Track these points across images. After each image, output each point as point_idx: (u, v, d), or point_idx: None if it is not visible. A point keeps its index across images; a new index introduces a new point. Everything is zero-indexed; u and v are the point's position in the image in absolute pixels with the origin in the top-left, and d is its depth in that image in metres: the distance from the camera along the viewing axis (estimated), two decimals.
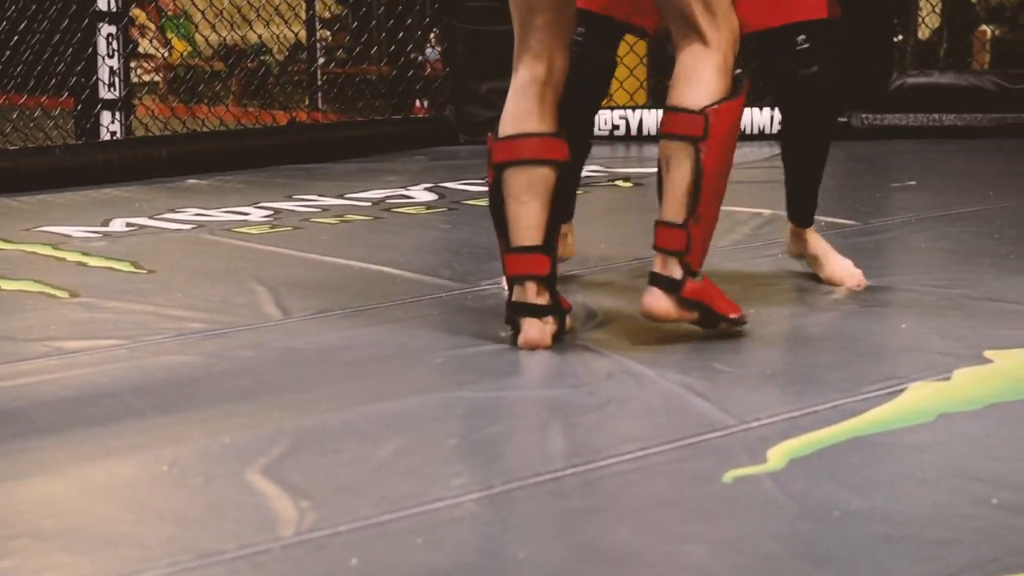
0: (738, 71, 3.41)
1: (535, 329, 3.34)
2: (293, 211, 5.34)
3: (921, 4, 9.18)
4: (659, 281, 3.35)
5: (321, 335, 3.53)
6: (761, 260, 4.31)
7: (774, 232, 4.71)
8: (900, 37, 9.87)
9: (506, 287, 3.49)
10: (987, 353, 3.18)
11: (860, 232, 4.71)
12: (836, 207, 5.28)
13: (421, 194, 5.73)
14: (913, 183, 5.91)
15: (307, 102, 8.47)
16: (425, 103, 8.15)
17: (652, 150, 7.14)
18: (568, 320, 3.45)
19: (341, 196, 5.67)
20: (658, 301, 3.35)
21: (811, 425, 2.73)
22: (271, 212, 5.32)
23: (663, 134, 3.35)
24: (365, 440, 2.71)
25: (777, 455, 2.57)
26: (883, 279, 4.05)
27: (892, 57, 7.76)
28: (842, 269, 3.95)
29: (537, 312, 3.36)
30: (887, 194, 5.80)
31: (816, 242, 4.02)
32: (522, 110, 3.40)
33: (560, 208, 3.42)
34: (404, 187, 5.90)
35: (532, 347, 3.33)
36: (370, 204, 5.49)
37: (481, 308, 3.79)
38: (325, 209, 5.37)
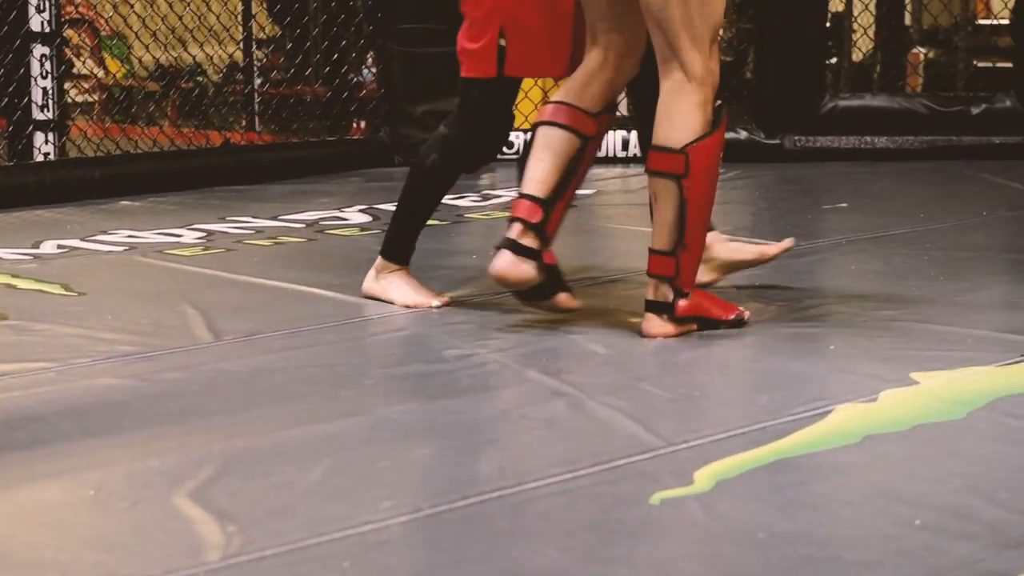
0: (718, 103, 3.62)
1: (505, 259, 3.64)
2: (226, 233, 5.33)
3: (855, 26, 9.25)
4: (654, 307, 3.63)
5: (252, 357, 3.53)
6: None
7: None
8: (834, 59, 9.96)
9: None
10: (914, 375, 3.21)
11: (791, 254, 4.72)
12: (768, 229, 5.33)
13: (355, 216, 5.73)
14: (845, 205, 5.95)
15: (244, 123, 8.45)
16: (362, 124, 8.14)
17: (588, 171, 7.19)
18: (567, 298, 3.78)
19: (275, 218, 5.66)
20: (656, 326, 3.62)
21: (738, 447, 2.75)
22: (204, 234, 5.31)
23: (649, 171, 3.63)
24: (294, 463, 2.71)
25: (704, 477, 2.59)
26: (813, 301, 4.08)
27: (824, 79, 7.82)
28: (759, 246, 4.26)
29: (515, 248, 3.65)
30: (819, 216, 5.84)
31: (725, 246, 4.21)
32: (569, 86, 3.76)
33: (572, 175, 3.73)
34: (338, 208, 5.90)
35: (498, 275, 3.64)
36: (304, 226, 5.48)
37: (414, 330, 3.79)
38: (258, 231, 5.36)
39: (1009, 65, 7.89)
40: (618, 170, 7.29)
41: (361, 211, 5.84)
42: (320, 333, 3.77)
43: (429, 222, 5.21)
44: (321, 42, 8.62)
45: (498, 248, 3.70)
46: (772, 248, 4.20)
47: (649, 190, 3.66)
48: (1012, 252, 4.71)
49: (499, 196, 6.25)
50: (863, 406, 3.01)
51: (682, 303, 3.59)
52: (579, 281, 4.34)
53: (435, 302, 4.03)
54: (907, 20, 9.85)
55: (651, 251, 3.62)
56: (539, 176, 3.70)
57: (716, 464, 2.65)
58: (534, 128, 3.80)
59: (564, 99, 3.74)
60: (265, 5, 8.80)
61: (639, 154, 7.48)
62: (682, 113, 3.55)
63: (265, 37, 9.36)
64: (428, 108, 7.36)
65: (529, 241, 3.69)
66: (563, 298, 3.82)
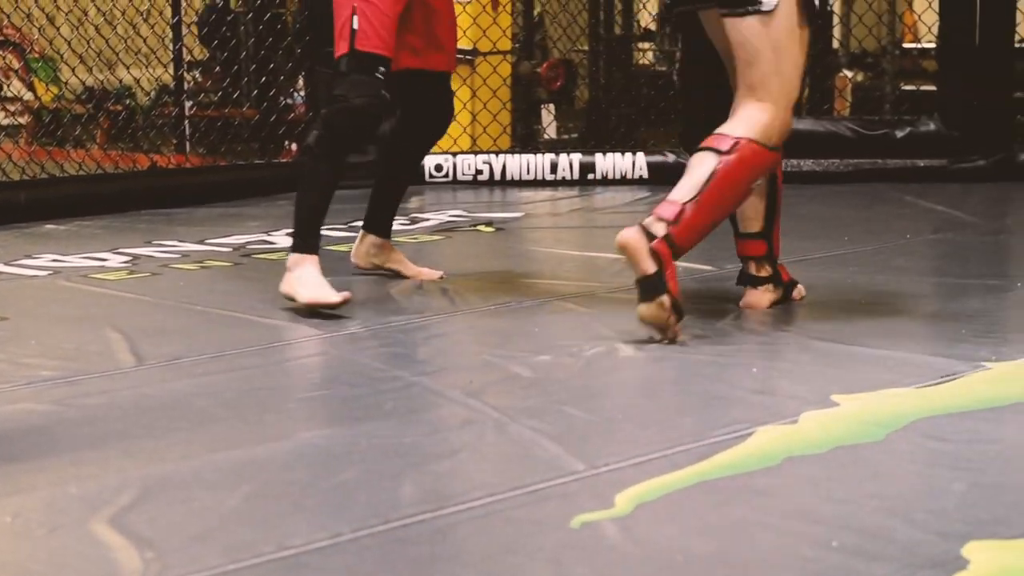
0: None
1: (754, 295, 4.20)
2: (152, 257, 5.31)
3: None
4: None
5: (174, 382, 3.51)
6: (619, 304, 4.34)
7: (625, 276, 4.76)
8: None
9: None
10: (834, 397, 3.24)
11: (716, 277, 4.77)
12: (693, 252, 5.32)
13: (282, 239, 5.71)
14: None
15: (173, 146, 8.42)
16: (294, 147, 8.13)
17: (516, 195, 7.22)
18: (799, 289, 4.30)
19: (201, 241, 5.64)
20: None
21: (659, 470, 2.76)
22: (130, 258, 5.28)
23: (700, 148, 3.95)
24: (214, 488, 2.70)
25: (625, 500, 2.59)
26: (736, 324, 4.11)
27: None
28: (424, 269, 4.79)
29: (755, 282, 4.21)
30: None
31: (394, 250, 4.83)
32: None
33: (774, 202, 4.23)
34: (266, 232, 5.88)
35: (749, 307, 4.17)
36: (230, 250, 5.46)
37: (337, 354, 3.79)
38: (185, 255, 5.34)
39: (933, 88, 7.98)
40: (546, 193, 7.32)
41: (288, 235, 5.81)
42: (244, 357, 3.76)
43: None
44: (251, 65, 8.60)
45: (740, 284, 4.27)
46: (429, 274, 4.76)
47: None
48: (934, 275, 4.76)
49: (427, 219, 6.26)
50: (784, 428, 3.03)
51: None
52: (504, 305, 4.36)
53: (336, 299, 4.18)
54: (835, 44, 9.95)
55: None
56: (752, 213, 4.20)
57: (637, 487, 2.66)
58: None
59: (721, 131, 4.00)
60: (193, 28, 8.77)
61: (567, 177, 7.55)
62: (751, 117, 3.96)
63: (193, 60, 9.33)
64: None
65: (764, 272, 4.24)
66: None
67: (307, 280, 4.24)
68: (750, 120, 3.94)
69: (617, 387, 3.43)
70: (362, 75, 4.32)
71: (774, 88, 3.96)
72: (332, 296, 4.17)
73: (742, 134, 3.91)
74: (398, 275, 4.80)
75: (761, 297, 4.23)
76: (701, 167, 3.89)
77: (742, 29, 3.95)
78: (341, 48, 4.34)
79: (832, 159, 7.37)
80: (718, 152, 3.89)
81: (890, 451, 2.89)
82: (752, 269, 4.26)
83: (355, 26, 4.29)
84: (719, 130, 3.94)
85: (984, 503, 2.59)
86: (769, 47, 3.93)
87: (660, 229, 3.83)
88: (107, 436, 3.05)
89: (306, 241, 4.34)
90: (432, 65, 4.62)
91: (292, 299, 4.25)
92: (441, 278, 4.76)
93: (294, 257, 4.33)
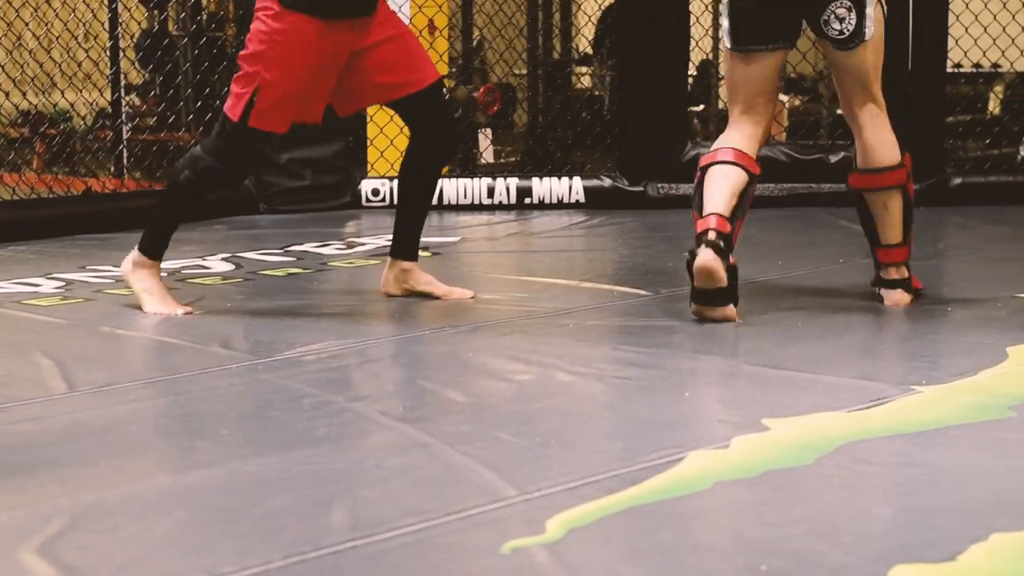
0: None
1: (709, 255, 4.36)
2: (86, 282, 5.28)
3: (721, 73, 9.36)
4: (898, 284, 4.70)
5: (106, 408, 3.50)
6: (553, 329, 4.36)
7: (561, 301, 4.78)
8: (702, 107, 10.09)
9: None
10: (765, 421, 3.26)
11: (650, 302, 4.79)
12: (629, 277, 5.38)
13: (218, 264, 5.70)
14: None
15: (111, 169, 8.37)
16: None
17: (453, 219, 7.22)
18: (734, 311, 4.43)
19: None
20: (904, 297, 4.70)
21: (591, 494, 2.77)
22: (63, 283, 5.25)
23: (881, 188, 4.66)
24: (144, 516, 2.69)
25: (556, 525, 2.60)
26: (669, 348, 4.13)
27: (688, 127, 7.91)
28: (455, 288, 4.88)
29: (716, 248, 4.38)
30: (679, 263, 5.86)
31: (422, 273, 4.89)
32: (732, 143, 4.59)
33: (744, 202, 4.52)
34: (201, 257, 5.86)
35: (705, 268, 4.35)
36: (165, 275, 5.41)
37: (271, 379, 3.78)
38: (118, 280, 5.30)
39: None
40: (484, 217, 7.34)
41: (224, 259, 5.81)
42: (177, 383, 3.75)
43: (292, 270, 5.22)
44: (189, 88, 8.58)
45: (697, 246, 4.39)
46: (455, 292, 4.86)
47: (876, 201, 4.67)
48: (866, 299, 4.79)
49: (364, 244, 6.25)
50: (715, 452, 3.05)
51: (914, 278, 4.78)
52: (439, 329, 4.36)
53: (180, 310, 4.57)
54: None
55: (887, 246, 4.69)
56: (722, 198, 4.47)
57: (569, 512, 2.67)
58: (703, 169, 4.60)
59: (733, 146, 4.58)
60: (129, 52, 8.74)
61: (504, 201, 7.57)
62: (890, 138, 4.65)
63: (127, 83, 9.29)
64: (292, 155, 7.37)
65: (723, 245, 4.41)
66: (730, 311, 4.40)
67: (151, 291, 4.66)
68: (890, 137, 4.66)
69: (550, 412, 3.44)
70: (247, 150, 4.56)
71: (881, 94, 4.67)
72: (176, 308, 4.61)
73: (899, 155, 4.67)
74: (430, 296, 4.83)
75: (902, 296, 4.70)
76: (896, 207, 4.69)
77: (850, 59, 4.61)
78: (235, 109, 4.47)
79: (767, 184, 7.40)
80: (902, 187, 4.69)
81: (820, 475, 2.91)
82: (892, 274, 4.72)
83: (254, 101, 4.43)
84: (888, 162, 4.64)
85: (911, 527, 2.61)
86: (873, 66, 4.63)
87: (905, 271, 4.73)
88: (38, 463, 3.04)
89: (156, 248, 4.73)
90: (421, 83, 4.62)
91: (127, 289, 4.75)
92: (472, 298, 4.84)
93: (140, 258, 4.71)
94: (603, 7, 9.36)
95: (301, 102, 4.49)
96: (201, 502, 2.79)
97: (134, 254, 4.71)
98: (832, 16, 4.55)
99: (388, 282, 4.87)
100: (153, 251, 4.69)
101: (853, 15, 4.54)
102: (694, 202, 4.57)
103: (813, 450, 3.05)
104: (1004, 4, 7.90)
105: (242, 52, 4.52)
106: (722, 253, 4.38)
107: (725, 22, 4.63)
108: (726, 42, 4.65)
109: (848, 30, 4.56)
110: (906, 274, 4.74)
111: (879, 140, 4.65)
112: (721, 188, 4.49)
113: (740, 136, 4.60)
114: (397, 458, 3.07)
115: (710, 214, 4.44)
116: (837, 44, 4.60)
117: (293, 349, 4.09)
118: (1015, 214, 7.10)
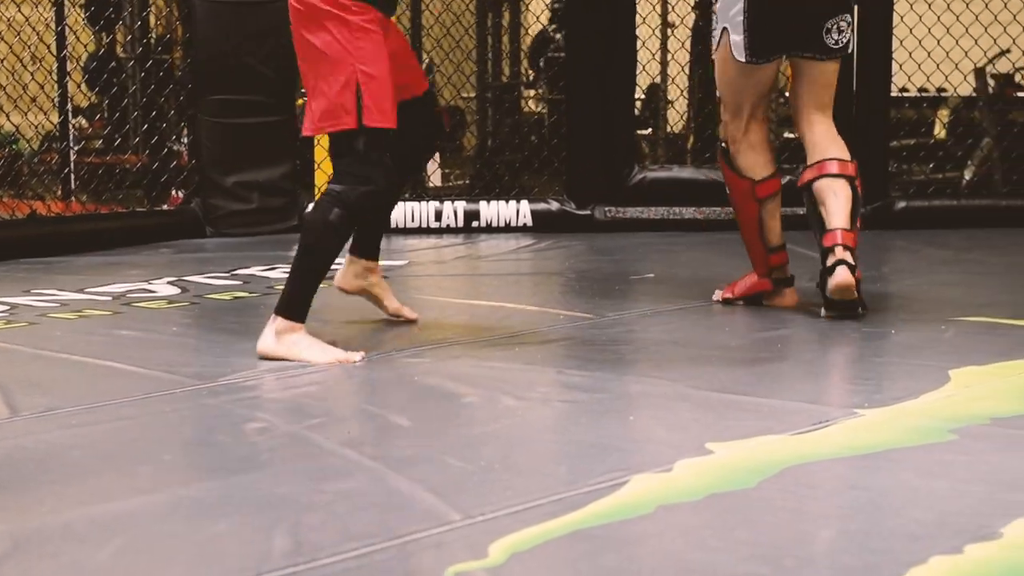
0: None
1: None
2: (30, 306, 5.25)
3: (669, 97, 9.41)
4: (850, 266, 4.82)
5: (49, 433, 3.48)
6: (500, 353, 4.36)
7: (507, 325, 4.79)
8: (649, 130, 10.12)
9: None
10: (709, 444, 3.27)
11: (596, 325, 4.80)
12: (574, 300, 5.39)
13: (164, 288, 5.68)
14: (651, 276, 6.05)
15: (59, 192, 8.34)
16: (181, 194, 8.09)
17: (400, 243, 7.22)
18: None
19: (81, 290, 5.59)
20: (850, 274, 4.82)
21: (534, 519, 2.77)
22: (6, 307, 5.22)
23: (839, 175, 4.93)
24: (85, 542, 2.67)
25: (499, 550, 2.60)
26: (615, 372, 4.14)
27: (636, 150, 7.94)
28: (405, 307, 4.88)
29: (850, 266, 4.80)
30: (626, 287, 5.92)
31: (381, 279, 4.92)
32: (764, 162, 5.15)
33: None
34: (147, 281, 5.84)
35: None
36: (110, 299, 5.41)
37: (216, 404, 3.77)
38: (63, 304, 5.29)
39: None
40: (431, 241, 7.34)
41: (170, 283, 5.79)
42: (121, 408, 3.73)
43: (238, 294, 5.21)
44: (136, 111, 8.56)
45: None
46: (404, 311, 4.87)
47: (826, 188, 4.91)
48: (810, 322, 4.82)
49: None
50: (658, 476, 3.05)
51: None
52: (385, 353, 4.36)
53: (356, 357, 4.23)
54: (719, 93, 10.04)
55: (833, 229, 4.84)
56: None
57: (511, 537, 2.67)
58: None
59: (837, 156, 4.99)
60: (75, 74, 8.71)
61: (452, 225, 7.58)
62: (842, 141, 5.01)
63: (75, 106, 9.26)
64: (239, 179, 7.35)
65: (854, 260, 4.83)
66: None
67: (311, 345, 4.27)
68: (843, 144, 5.00)
69: (495, 436, 3.44)
70: (379, 153, 4.29)
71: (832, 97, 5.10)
72: (352, 356, 4.25)
73: (850, 158, 4.97)
74: (378, 304, 4.86)
75: (846, 276, 4.82)
76: (847, 195, 4.90)
77: (828, 69, 5.02)
78: (348, 118, 4.25)
79: (713, 207, 7.44)
80: (852, 180, 4.93)
81: (762, 498, 2.92)
82: (839, 254, 4.85)
83: (362, 101, 4.23)
84: (837, 155, 4.95)
85: (853, 550, 2.63)
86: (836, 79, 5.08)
87: (853, 258, 4.83)
88: None
89: (302, 311, 4.31)
90: (417, 91, 4.63)
91: (281, 359, 4.23)
92: (415, 322, 4.84)
93: (287, 324, 4.28)
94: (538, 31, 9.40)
95: (394, 91, 4.33)
96: (143, 528, 2.78)
97: (277, 324, 4.29)
98: (835, 27, 4.96)
99: (346, 277, 4.84)
100: (300, 315, 4.31)
101: (849, 30, 5.02)
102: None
103: (756, 473, 3.06)
104: (947, 29, 7.96)
105: (310, 69, 4.33)
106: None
107: (738, 37, 4.92)
108: (739, 56, 4.95)
109: (843, 42, 5.00)
110: (851, 258, 4.83)
111: (834, 139, 5.00)
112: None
113: (767, 156, 5.13)
114: (340, 483, 3.06)
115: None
116: (827, 54, 4.99)
117: (238, 374, 4.08)
118: (958, 238, 7.16)
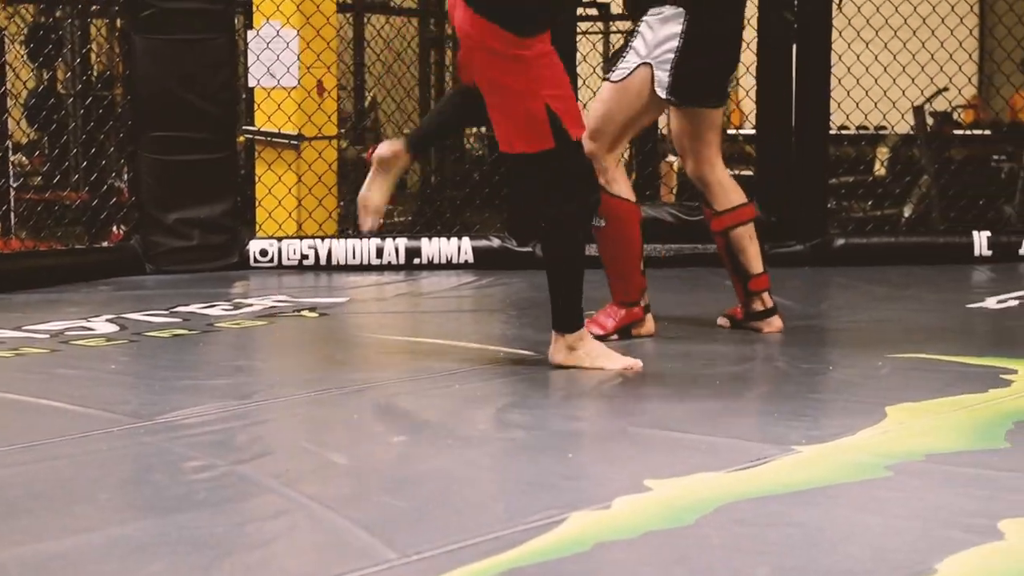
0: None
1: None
2: None
3: None
4: (774, 311, 5.42)
5: None
6: (439, 391, 4.36)
7: (447, 362, 4.79)
8: None
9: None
10: (647, 481, 3.27)
11: (536, 363, 4.80)
12: (515, 338, 5.39)
13: (102, 325, 5.65)
14: (592, 313, 6.05)
15: None
16: (123, 230, 8.05)
17: (341, 280, 7.22)
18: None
19: (18, 328, 5.55)
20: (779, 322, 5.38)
21: (470, 557, 2.77)
22: None
23: (743, 223, 5.31)
24: None
25: None
26: (554, 409, 4.14)
27: None
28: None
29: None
30: None
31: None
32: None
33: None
34: (85, 318, 5.81)
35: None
36: (48, 336, 5.38)
37: (153, 442, 3.75)
38: (0, 342, 5.25)
39: (751, 173, 8.15)
40: (372, 278, 7.34)
41: (108, 321, 5.76)
42: (57, 447, 3.71)
43: (178, 332, 5.20)
44: (76, 147, 8.53)
45: (773, 311, 5.36)
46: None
47: (743, 235, 5.31)
48: (749, 359, 4.85)
49: (251, 305, 6.23)
50: (596, 513, 3.06)
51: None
52: (324, 391, 4.35)
53: (639, 365, 4.58)
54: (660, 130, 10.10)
55: (758, 275, 5.33)
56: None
57: (447, 575, 2.67)
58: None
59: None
60: (14, 110, 8.68)
61: (393, 261, 7.59)
62: (733, 179, 5.35)
63: (14, 142, 9.23)
64: (179, 216, 7.33)
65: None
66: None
67: (604, 352, 4.64)
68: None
69: (433, 474, 3.44)
70: (579, 159, 4.57)
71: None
72: (636, 362, 4.60)
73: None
74: (375, 180, 4.81)
75: (778, 321, 5.37)
76: (755, 236, 5.34)
77: (720, 112, 5.28)
78: (553, 137, 4.45)
79: (654, 244, 7.47)
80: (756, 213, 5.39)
81: (699, 535, 2.93)
82: (766, 301, 5.39)
83: (557, 116, 4.45)
84: (744, 200, 5.30)
85: None
86: None
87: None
88: None
89: (578, 319, 4.67)
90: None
91: (580, 367, 4.57)
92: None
93: (577, 335, 4.62)
94: None
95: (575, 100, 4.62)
96: (78, 568, 2.76)
97: (566, 339, 4.64)
98: (734, 76, 5.36)
99: (385, 147, 4.85)
100: (578, 324, 4.65)
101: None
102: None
103: (693, 511, 3.07)
104: (885, 68, 8.04)
105: (497, 102, 4.52)
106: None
107: (664, 75, 5.03)
108: (660, 92, 5.05)
109: (731, 89, 5.31)
110: (771, 302, 5.34)
111: (730, 182, 5.31)
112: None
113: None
114: (278, 522, 3.06)
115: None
116: (725, 100, 5.31)
117: (176, 412, 4.06)
118: (896, 274, 7.22)
